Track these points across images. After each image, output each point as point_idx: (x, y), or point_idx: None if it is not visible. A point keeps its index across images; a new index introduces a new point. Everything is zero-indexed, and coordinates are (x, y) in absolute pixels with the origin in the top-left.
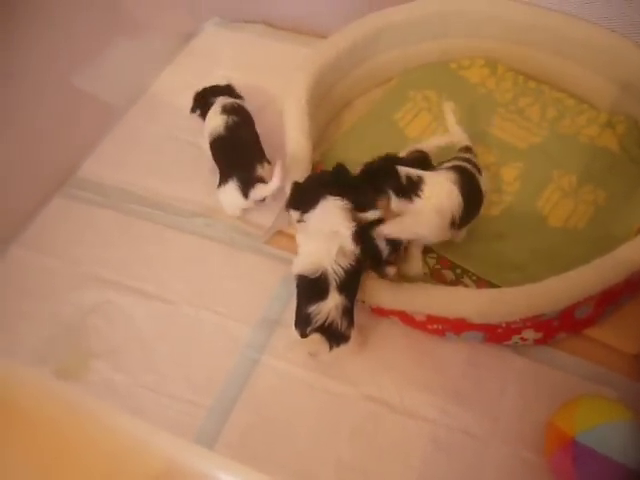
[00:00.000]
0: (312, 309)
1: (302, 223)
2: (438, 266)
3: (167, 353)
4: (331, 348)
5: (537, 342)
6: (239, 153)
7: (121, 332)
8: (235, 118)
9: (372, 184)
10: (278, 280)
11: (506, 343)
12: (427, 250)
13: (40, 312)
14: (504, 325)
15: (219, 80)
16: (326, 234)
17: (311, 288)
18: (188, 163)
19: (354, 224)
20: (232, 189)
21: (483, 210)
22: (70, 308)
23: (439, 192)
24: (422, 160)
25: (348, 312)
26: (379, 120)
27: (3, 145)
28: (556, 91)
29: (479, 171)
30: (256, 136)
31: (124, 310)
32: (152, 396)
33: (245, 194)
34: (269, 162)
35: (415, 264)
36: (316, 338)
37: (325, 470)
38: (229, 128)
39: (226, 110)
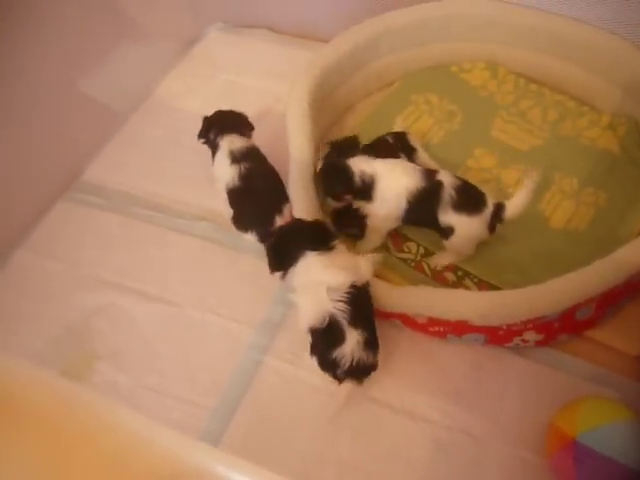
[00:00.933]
0: (336, 354)
1: (286, 280)
2: (439, 268)
3: (170, 355)
4: (361, 383)
5: (538, 344)
6: (256, 205)
7: (124, 334)
8: (247, 165)
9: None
10: (280, 282)
11: (507, 345)
12: (428, 253)
13: (44, 314)
14: (505, 327)
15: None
16: (313, 284)
17: (326, 336)
18: (191, 167)
19: (335, 272)
20: (250, 237)
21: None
22: (74, 310)
23: (394, 185)
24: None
25: (370, 342)
26: (381, 123)
27: (7, 149)
28: (557, 94)
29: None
30: (272, 179)
31: (127, 312)
32: (155, 397)
33: (262, 241)
34: (288, 200)
35: (367, 244)
36: (349, 386)
37: (327, 470)
38: (243, 178)
39: (236, 159)
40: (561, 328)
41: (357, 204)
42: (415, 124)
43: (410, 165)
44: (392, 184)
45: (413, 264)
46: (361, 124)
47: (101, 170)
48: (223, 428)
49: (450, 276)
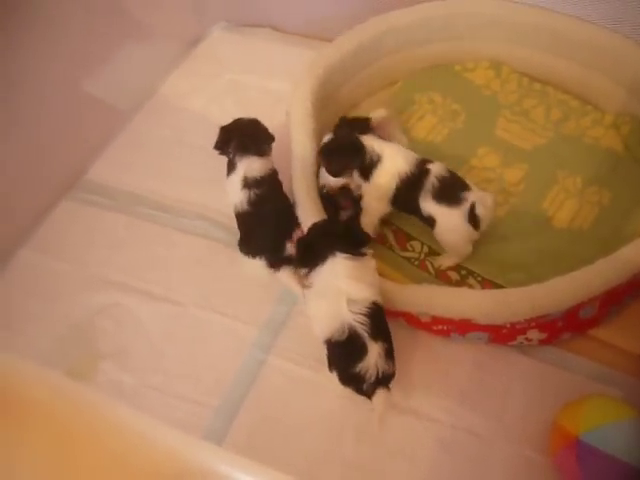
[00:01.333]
0: (359, 368)
1: (308, 281)
2: (443, 267)
3: (174, 354)
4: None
5: (542, 342)
6: (266, 231)
7: (129, 333)
8: (257, 191)
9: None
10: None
11: (511, 343)
12: (432, 251)
13: (49, 314)
14: (509, 326)
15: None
16: (333, 290)
17: (347, 349)
18: (195, 166)
19: (360, 287)
20: (259, 264)
21: (468, 249)
22: (78, 310)
23: (392, 168)
24: None
25: (389, 351)
26: None
27: (12, 148)
28: (561, 93)
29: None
30: (284, 206)
31: (132, 312)
32: (159, 397)
33: (272, 268)
34: (299, 225)
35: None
36: (382, 395)
37: (331, 470)
38: (253, 204)
39: (248, 185)
40: (565, 327)
41: (355, 183)
42: (418, 123)
43: (411, 153)
44: (390, 167)
45: (417, 263)
46: None
47: (105, 169)
48: (227, 427)
49: (454, 275)
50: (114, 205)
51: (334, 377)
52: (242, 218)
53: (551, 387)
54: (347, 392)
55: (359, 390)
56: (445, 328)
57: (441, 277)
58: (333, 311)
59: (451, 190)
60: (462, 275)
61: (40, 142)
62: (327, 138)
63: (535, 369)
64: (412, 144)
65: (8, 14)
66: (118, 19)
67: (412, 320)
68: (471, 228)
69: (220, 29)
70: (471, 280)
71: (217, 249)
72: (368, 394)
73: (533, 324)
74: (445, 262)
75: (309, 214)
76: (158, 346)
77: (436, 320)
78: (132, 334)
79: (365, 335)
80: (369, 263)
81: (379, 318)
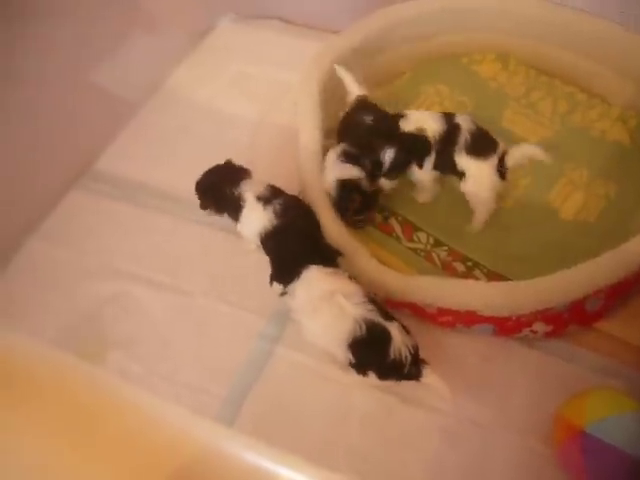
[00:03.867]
0: (392, 353)
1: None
2: (449, 258)
3: (182, 343)
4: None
5: (547, 335)
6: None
7: (137, 323)
8: (279, 201)
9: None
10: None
11: (516, 336)
12: (438, 242)
13: (57, 303)
14: (514, 318)
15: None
16: (323, 298)
17: (373, 342)
18: (202, 156)
19: (344, 281)
20: None
21: (494, 203)
22: (87, 299)
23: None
24: None
25: (403, 326)
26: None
27: (21, 139)
28: (568, 85)
29: None
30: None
31: (140, 301)
32: (167, 386)
33: None
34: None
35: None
36: (429, 371)
37: (337, 458)
38: (281, 214)
39: (264, 199)
40: (570, 319)
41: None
42: None
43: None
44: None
45: (423, 254)
46: None
47: (114, 160)
48: (234, 416)
49: (460, 267)
50: (122, 195)
51: (368, 377)
52: (274, 236)
53: (555, 379)
54: (352, 381)
55: (402, 377)
56: (450, 319)
57: (447, 269)
58: (336, 316)
59: (482, 143)
60: (468, 267)
61: (48, 132)
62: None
63: (540, 361)
64: None
65: (19, 8)
66: (127, 10)
67: (417, 311)
68: (499, 179)
69: (228, 21)
70: (477, 272)
71: (225, 238)
72: (414, 376)
73: (539, 316)
74: (477, 224)
75: (316, 204)
76: (166, 335)
77: (442, 311)
78: (140, 323)
79: (381, 319)
80: (344, 274)
81: (378, 301)
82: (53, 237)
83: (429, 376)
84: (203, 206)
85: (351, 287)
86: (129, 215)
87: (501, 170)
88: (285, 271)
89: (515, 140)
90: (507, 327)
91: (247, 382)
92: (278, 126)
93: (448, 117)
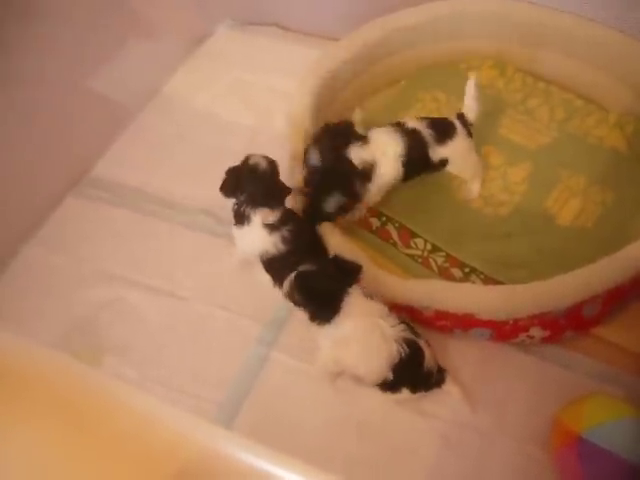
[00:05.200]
0: (426, 369)
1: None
2: (447, 264)
3: (178, 349)
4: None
5: (544, 340)
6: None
7: (132, 328)
8: (289, 228)
9: None
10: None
11: (513, 341)
12: (435, 248)
13: (54, 308)
14: (511, 322)
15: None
16: (364, 324)
17: (414, 360)
18: (199, 163)
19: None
20: None
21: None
22: (83, 305)
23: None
24: None
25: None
26: (388, 120)
27: (18, 145)
28: (565, 92)
29: None
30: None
31: (136, 306)
32: (163, 391)
33: None
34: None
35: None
36: (449, 378)
37: (334, 465)
38: (289, 241)
39: (274, 228)
40: (567, 325)
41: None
42: None
43: (388, 130)
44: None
45: (420, 260)
46: (369, 121)
47: (111, 166)
48: (230, 422)
49: (457, 273)
50: (119, 201)
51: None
52: (278, 261)
53: (553, 385)
54: (352, 388)
55: (430, 387)
56: (448, 324)
57: (444, 275)
58: (377, 340)
59: (442, 127)
60: (465, 273)
61: (45, 138)
62: (312, 156)
63: (537, 367)
64: None
65: (16, 14)
66: (124, 17)
67: (415, 315)
68: (471, 139)
69: (226, 27)
70: (474, 277)
71: (220, 245)
72: (438, 384)
73: (535, 321)
74: (474, 190)
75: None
76: (162, 341)
77: (439, 315)
78: (136, 329)
79: (413, 336)
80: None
81: (405, 319)
82: (50, 243)
83: (450, 383)
84: (223, 188)
85: (381, 307)
86: (125, 221)
87: (468, 130)
88: (328, 308)
89: (512, 147)
90: (504, 332)
91: (243, 387)
92: (275, 132)
93: (403, 129)
